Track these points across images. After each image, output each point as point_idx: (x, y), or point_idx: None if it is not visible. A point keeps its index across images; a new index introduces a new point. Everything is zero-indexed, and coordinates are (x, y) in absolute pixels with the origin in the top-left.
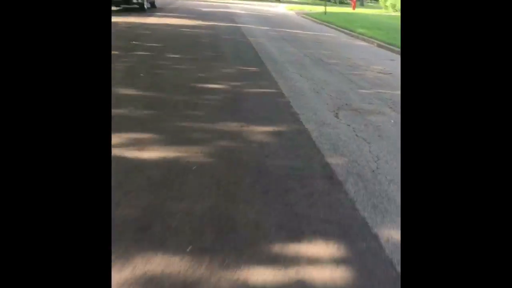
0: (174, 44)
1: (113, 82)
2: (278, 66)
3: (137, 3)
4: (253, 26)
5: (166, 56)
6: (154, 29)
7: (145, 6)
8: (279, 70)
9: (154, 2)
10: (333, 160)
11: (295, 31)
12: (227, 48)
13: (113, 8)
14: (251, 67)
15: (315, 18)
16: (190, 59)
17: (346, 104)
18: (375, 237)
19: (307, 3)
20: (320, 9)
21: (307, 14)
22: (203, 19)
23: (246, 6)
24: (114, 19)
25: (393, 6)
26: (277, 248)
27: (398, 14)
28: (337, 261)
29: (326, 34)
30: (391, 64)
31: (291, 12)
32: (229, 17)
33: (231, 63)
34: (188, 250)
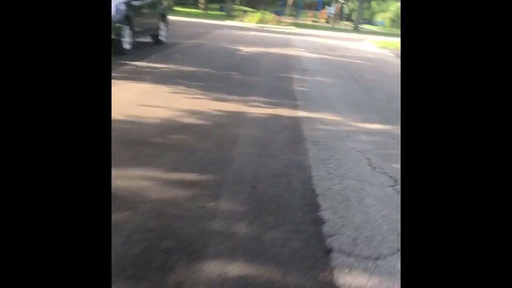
0: None
1: None
2: None
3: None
4: (341, 121)
5: None
6: None
7: (124, 46)
8: None
9: (158, 36)
10: None
11: None
12: None
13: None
14: None
15: None
16: None
17: None
18: None
19: (390, 33)
20: None
21: None
22: (216, 92)
23: (315, 40)
24: None
25: None
26: None
27: None
28: None
29: None
30: None
31: (388, 54)
32: (285, 74)
33: None
34: None
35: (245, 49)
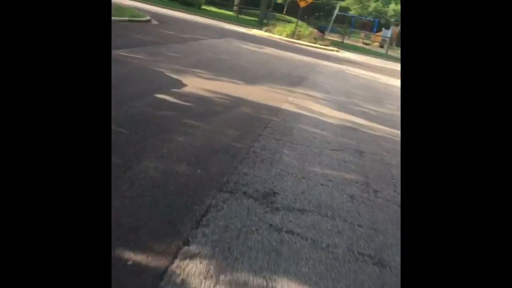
0: None
1: None
2: None
3: None
4: None
5: None
6: None
7: None
8: None
9: None
10: None
11: None
12: None
13: None
14: None
15: None
16: None
17: None
18: None
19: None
20: None
21: None
22: None
23: (357, 72)
24: None
25: None
26: None
27: None
28: None
29: None
30: None
31: None
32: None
33: None
34: None
35: (189, 86)
